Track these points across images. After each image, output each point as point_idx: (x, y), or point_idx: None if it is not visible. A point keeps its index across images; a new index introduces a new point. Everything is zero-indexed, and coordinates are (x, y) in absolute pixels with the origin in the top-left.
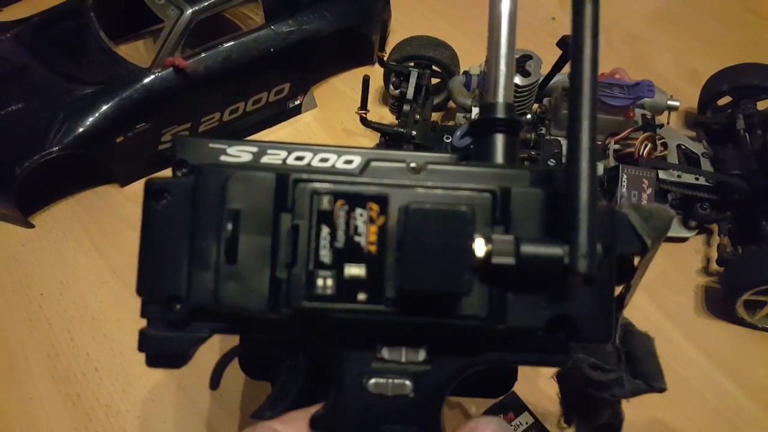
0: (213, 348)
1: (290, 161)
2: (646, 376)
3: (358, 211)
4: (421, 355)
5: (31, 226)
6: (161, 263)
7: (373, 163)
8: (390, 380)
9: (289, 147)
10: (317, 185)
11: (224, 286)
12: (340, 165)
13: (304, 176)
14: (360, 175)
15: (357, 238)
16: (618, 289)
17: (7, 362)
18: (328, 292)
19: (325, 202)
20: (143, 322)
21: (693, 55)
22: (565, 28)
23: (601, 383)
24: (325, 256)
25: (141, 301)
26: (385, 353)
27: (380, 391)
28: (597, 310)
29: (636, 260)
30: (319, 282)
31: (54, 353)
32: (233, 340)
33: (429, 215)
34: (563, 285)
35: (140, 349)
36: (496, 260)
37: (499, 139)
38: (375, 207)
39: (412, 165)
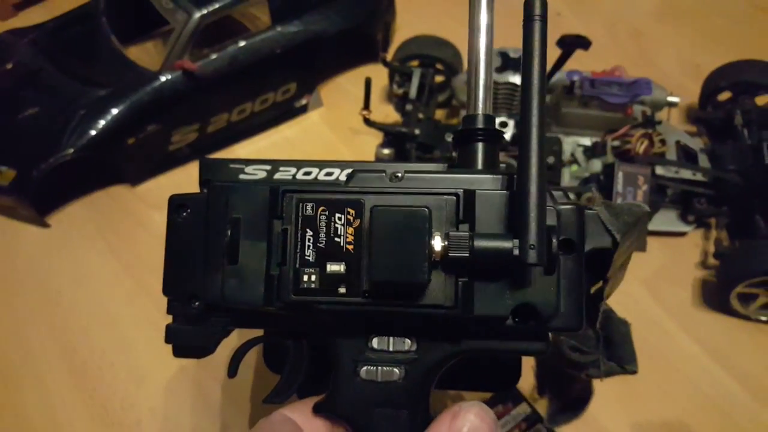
0: (224, 343)
1: (299, 176)
2: (621, 359)
3: (337, 215)
4: (408, 345)
5: (47, 225)
6: (182, 267)
7: (359, 174)
8: (379, 368)
9: (298, 163)
10: (302, 195)
11: (227, 284)
12: (332, 177)
13: (291, 188)
14: (345, 185)
15: (337, 239)
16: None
17: (26, 357)
18: (313, 286)
19: (309, 209)
20: (155, 318)
21: (696, 51)
22: (571, 24)
23: (579, 364)
24: (310, 255)
25: (167, 300)
26: (375, 343)
27: (371, 378)
28: (567, 301)
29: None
30: (305, 278)
31: (71, 348)
32: (246, 334)
33: (392, 214)
34: (524, 276)
35: (166, 341)
36: (452, 254)
37: (480, 148)
38: (352, 211)
39: (394, 173)
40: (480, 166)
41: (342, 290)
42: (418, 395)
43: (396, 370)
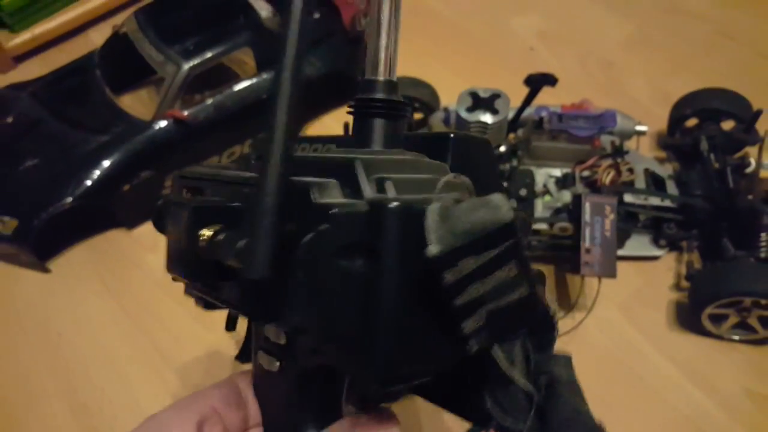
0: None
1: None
2: None
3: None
4: (282, 339)
5: (48, 270)
6: None
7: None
8: (264, 355)
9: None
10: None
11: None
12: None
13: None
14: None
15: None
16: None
17: (28, 398)
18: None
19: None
20: (153, 358)
21: (666, 78)
22: (544, 59)
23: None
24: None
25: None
26: (266, 329)
27: (261, 362)
28: (361, 330)
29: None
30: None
31: (72, 389)
32: None
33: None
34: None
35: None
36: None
37: (378, 124)
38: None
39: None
40: (378, 146)
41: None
42: (295, 392)
43: (276, 361)
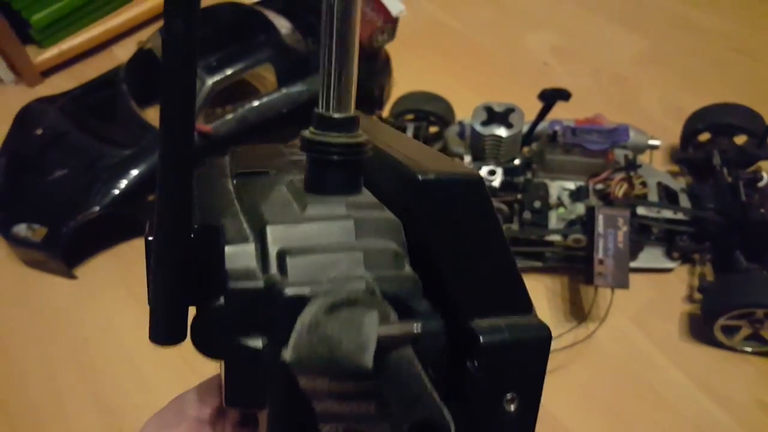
0: None
1: None
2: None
3: None
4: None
5: (75, 277)
6: None
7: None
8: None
9: None
10: None
11: None
12: None
13: None
14: None
15: None
16: None
17: (57, 401)
18: None
19: None
20: (176, 362)
21: (678, 93)
22: (557, 74)
23: None
24: None
25: None
26: None
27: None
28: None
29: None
30: None
31: (97, 391)
32: None
33: None
34: None
35: None
36: None
37: (330, 170)
38: None
39: None
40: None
41: None
42: None
43: None
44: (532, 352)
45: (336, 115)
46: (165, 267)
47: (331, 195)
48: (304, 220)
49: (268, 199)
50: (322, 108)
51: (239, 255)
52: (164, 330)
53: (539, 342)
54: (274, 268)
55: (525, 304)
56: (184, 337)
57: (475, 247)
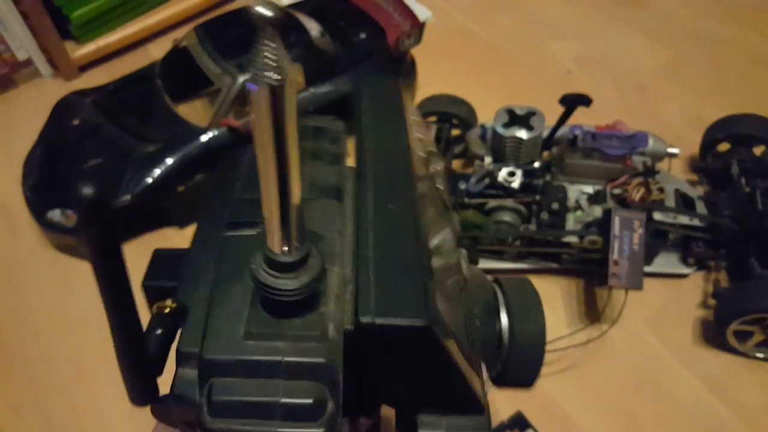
0: None
1: None
2: None
3: None
4: None
5: None
6: None
7: None
8: None
9: None
10: None
11: None
12: None
13: None
14: None
15: None
16: None
17: (84, 382)
18: None
19: None
20: None
21: (700, 104)
22: (580, 81)
23: None
24: None
25: None
26: None
27: None
28: None
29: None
30: None
31: None
32: None
33: None
34: None
35: None
36: None
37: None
38: None
39: None
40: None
41: None
42: None
43: None
44: None
45: (283, 259)
46: (124, 360)
47: (277, 319)
48: (241, 351)
49: (226, 298)
50: (270, 247)
51: (184, 380)
52: (138, 396)
53: None
54: (202, 396)
55: (477, 408)
56: (156, 397)
57: (418, 376)
